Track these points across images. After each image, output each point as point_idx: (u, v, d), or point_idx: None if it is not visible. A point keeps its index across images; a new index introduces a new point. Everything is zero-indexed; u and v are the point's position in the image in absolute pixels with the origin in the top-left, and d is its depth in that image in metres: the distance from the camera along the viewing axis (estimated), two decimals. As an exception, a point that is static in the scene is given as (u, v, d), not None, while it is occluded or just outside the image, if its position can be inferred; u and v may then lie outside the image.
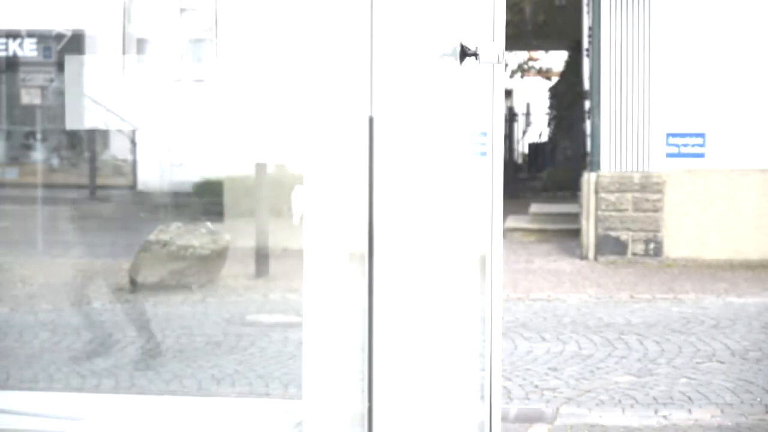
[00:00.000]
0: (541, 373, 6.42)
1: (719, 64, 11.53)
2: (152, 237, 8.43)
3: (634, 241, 11.66)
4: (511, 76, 24.95)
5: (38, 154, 13.30)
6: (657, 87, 11.68)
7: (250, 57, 8.57)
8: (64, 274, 8.80)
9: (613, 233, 11.70)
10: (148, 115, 8.92)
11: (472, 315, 2.71)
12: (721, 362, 6.69)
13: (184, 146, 10.29)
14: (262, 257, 8.91)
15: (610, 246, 11.68)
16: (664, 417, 5.51)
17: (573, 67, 19.30)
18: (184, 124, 8.64)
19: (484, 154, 2.78)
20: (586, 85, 13.84)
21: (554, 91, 22.81)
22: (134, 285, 8.20)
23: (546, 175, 20.17)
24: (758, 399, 5.81)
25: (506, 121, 24.75)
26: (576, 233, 12.47)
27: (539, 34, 19.13)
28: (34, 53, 13.58)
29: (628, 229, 11.67)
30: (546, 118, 24.95)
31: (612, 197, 11.71)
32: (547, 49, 23.67)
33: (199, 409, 2.68)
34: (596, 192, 11.74)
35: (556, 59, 25.07)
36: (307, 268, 1.80)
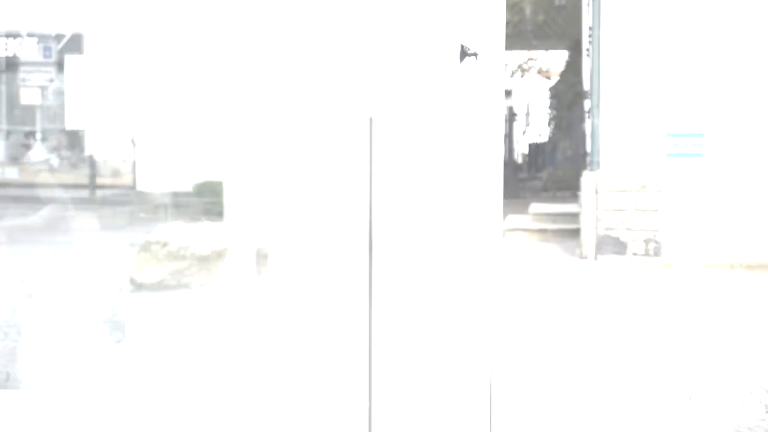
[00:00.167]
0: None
1: (719, 64, 11.53)
2: (152, 237, 8.43)
3: (634, 241, 11.66)
4: (511, 76, 24.95)
5: (38, 154, 13.31)
6: (657, 87, 11.69)
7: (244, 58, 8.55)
8: (64, 274, 8.79)
9: (613, 233, 11.71)
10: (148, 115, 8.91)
11: (471, 315, 2.71)
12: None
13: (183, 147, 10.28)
14: (262, 257, 8.91)
15: (610, 246, 11.69)
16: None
17: (573, 67, 19.30)
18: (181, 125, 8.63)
19: (488, 153, 2.77)
20: (586, 85, 13.85)
21: (554, 91, 22.80)
22: (134, 285, 8.19)
23: (546, 175, 20.17)
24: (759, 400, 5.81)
25: (506, 121, 24.76)
26: (576, 233, 12.48)
27: (539, 34, 19.15)
28: (34, 53, 13.59)
29: (628, 229, 11.68)
30: (546, 118, 24.95)
31: (612, 197, 11.72)
32: (547, 49, 23.67)
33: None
34: (596, 192, 11.74)
35: (556, 59, 25.06)
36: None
